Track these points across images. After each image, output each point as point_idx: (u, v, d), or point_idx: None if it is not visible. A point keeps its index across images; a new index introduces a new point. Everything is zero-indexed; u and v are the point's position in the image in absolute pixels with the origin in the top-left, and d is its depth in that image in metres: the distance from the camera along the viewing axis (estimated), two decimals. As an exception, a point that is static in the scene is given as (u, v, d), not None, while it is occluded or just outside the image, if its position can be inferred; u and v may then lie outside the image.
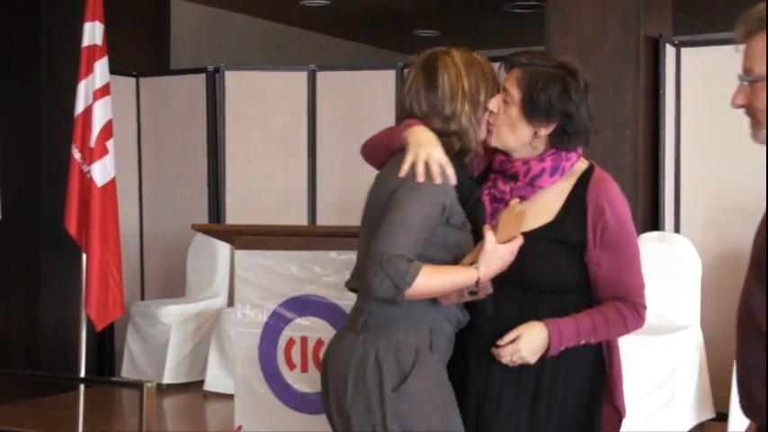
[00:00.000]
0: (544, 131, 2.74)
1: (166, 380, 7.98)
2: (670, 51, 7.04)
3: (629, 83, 6.69)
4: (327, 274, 4.46)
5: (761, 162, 7.11)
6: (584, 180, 2.79)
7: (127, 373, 8.20)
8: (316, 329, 4.47)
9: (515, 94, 2.72)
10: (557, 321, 2.65)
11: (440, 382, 2.65)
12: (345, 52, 12.42)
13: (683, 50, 7.13)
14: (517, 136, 2.75)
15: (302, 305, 4.53)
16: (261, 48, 11.20)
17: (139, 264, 9.00)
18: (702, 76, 7.00)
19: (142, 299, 8.89)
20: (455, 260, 2.59)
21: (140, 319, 8.27)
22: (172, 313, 8.13)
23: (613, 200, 2.77)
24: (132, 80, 8.97)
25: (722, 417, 6.15)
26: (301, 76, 8.54)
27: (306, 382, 4.46)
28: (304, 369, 4.48)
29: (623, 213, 2.79)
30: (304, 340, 4.48)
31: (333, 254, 4.47)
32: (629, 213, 2.83)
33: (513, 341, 2.63)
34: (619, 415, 2.84)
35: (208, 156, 8.61)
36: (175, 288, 8.63)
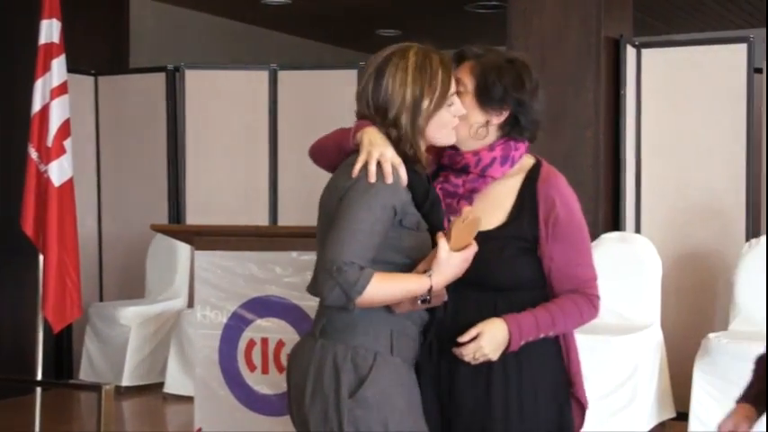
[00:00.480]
0: (496, 120, 2.76)
1: (125, 382, 7.90)
2: (631, 52, 7.06)
3: (589, 83, 6.72)
4: (288, 274, 4.40)
5: (720, 162, 7.24)
6: (533, 175, 2.81)
7: (85, 375, 8.12)
8: (276, 331, 4.41)
9: (469, 82, 2.75)
10: (515, 316, 2.66)
11: (401, 385, 2.62)
12: (307, 51, 12.36)
13: (644, 51, 7.15)
14: (469, 125, 2.75)
15: (263, 306, 4.47)
16: (221, 46, 11.12)
17: (98, 264, 8.90)
18: (663, 77, 7.05)
19: (101, 300, 8.79)
20: (412, 262, 2.58)
21: (99, 320, 8.18)
22: (131, 315, 8.05)
23: (563, 193, 2.79)
24: (90, 79, 8.86)
25: (682, 416, 6.19)
26: (262, 76, 8.47)
27: (266, 383, 4.41)
28: (265, 371, 4.44)
29: (573, 206, 2.80)
30: (265, 342, 4.43)
31: (294, 254, 4.42)
32: (579, 206, 2.84)
33: (474, 339, 2.62)
34: (582, 407, 2.85)
35: (168, 155, 8.53)
36: (135, 289, 8.54)
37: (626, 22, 7.31)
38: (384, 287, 2.49)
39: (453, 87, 2.70)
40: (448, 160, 2.81)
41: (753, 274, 6.24)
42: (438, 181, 2.81)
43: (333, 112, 7.69)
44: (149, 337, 8.09)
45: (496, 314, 2.66)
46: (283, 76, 8.47)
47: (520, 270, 2.74)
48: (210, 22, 11.14)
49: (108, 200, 8.92)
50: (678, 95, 7.00)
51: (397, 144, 2.61)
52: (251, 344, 4.46)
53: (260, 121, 8.42)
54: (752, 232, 6.73)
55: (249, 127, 8.45)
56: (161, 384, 7.82)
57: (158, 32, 10.43)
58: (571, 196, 2.82)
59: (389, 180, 2.52)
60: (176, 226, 7.61)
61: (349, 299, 2.43)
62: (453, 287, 2.60)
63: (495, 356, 2.64)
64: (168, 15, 10.59)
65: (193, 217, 8.35)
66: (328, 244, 2.47)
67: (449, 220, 2.66)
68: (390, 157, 2.55)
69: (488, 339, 2.62)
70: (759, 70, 6.94)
